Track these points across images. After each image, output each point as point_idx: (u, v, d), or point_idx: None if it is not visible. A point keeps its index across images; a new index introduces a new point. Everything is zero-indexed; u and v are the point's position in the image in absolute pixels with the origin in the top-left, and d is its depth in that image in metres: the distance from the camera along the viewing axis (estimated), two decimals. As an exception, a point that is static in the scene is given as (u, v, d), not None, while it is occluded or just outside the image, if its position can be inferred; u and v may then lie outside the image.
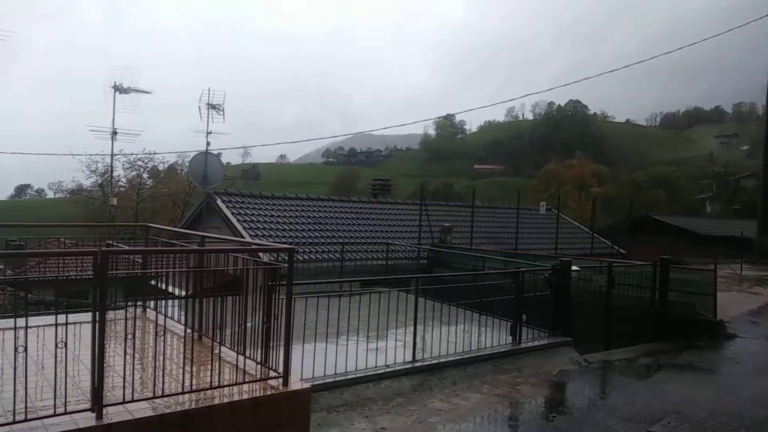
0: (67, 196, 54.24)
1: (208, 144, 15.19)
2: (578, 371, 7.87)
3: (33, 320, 5.56)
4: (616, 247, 23.18)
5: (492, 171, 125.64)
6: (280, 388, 4.73)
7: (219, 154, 16.78)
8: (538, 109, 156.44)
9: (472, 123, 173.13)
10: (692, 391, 7.23)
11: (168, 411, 4.14)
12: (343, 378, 6.20)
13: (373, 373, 6.45)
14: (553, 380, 7.31)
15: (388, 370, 6.60)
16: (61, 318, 4.04)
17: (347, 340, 7.12)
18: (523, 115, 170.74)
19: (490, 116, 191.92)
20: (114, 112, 17.22)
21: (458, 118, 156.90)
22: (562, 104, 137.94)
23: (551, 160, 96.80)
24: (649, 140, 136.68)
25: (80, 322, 5.29)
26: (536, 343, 8.35)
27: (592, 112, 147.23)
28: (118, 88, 17.01)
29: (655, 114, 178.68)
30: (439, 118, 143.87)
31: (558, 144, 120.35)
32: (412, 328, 7.11)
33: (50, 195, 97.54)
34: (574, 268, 9.02)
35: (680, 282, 10.57)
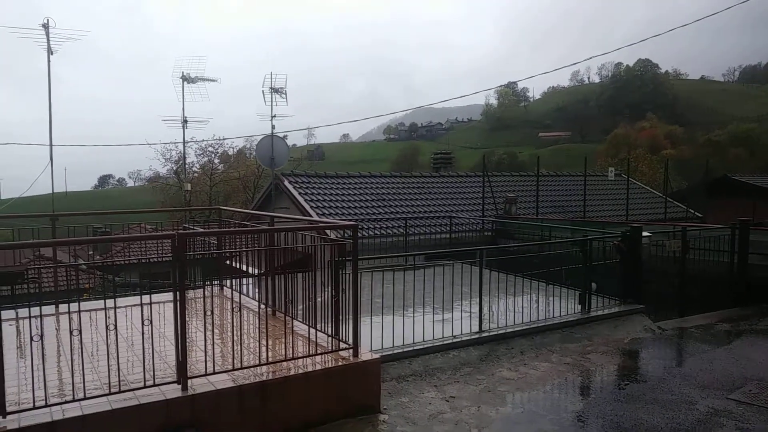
0: (146, 183, 57.06)
1: (273, 127, 15.56)
2: (651, 339, 7.68)
3: (121, 301, 6.01)
4: (692, 211, 22.20)
5: (557, 138, 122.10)
6: (351, 358, 4.91)
7: (284, 137, 17.16)
8: (605, 71, 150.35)
9: (536, 90, 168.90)
10: (776, 357, 6.92)
11: (246, 382, 4.39)
12: (411, 349, 6.32)
13: (441, 343, 6.54)
14: (625, 348, 7.17)
15: (455, 340, 6.68)
16: (146, 298, 4.31)
17: (414, 312, 7.25)
18: (588, 78, 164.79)
19: (554, 82, 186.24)
20: (183, 101, 17.89)
21: (521, 85, 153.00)
22: (631, 64, 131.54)
23: (620, 123, 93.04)
24: (726, 97, 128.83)
25: (163, 302, 5.65)
26: (607, 311, 8.20)
27: (663, 70, 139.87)
28: (185, 78, 17.63)
29: (733, 68, 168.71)
30: (501, 86, 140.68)
31: (627, 106, 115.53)
32: (477, 299, 7.13)
33: (130, 183, 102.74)
34: (645, 234, 8.74)
35: (763, 245, 10.05)
